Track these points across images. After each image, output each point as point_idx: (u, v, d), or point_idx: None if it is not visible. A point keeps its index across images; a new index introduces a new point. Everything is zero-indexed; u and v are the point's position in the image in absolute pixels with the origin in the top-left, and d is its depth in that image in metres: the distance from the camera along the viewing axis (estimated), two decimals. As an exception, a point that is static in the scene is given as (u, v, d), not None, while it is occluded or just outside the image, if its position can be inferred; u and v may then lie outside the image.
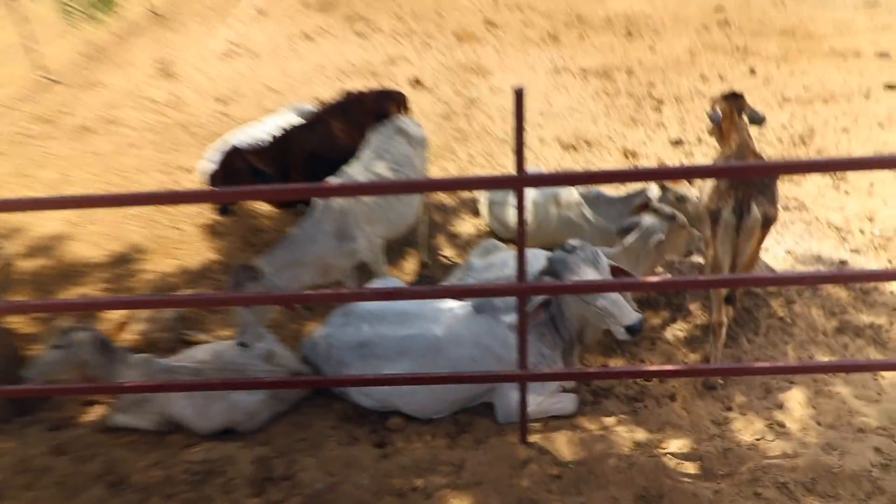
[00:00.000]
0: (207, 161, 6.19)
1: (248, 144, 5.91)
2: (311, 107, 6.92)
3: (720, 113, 4.72)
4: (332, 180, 4.64)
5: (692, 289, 4.73)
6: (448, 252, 5.79)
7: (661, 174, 3.35)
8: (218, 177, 4.93)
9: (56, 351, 3.88)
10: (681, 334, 4.66)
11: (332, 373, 4.12)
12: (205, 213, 6.36)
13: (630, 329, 3.43)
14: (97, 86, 9.21)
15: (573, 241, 3.68)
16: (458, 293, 3.18)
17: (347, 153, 5.18)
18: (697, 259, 5.35)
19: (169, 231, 6.27)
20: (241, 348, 4.05)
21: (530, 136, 7.18)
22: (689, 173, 3.12)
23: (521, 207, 3.05)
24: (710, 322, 4.30)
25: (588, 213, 5.33)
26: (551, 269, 3.59)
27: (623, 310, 3.46)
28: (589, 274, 3.50)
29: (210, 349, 4.20)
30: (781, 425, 3.79)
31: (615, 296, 3.51)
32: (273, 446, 3.86)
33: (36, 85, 9.21)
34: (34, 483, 3.60)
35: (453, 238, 5.95)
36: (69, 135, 8.12)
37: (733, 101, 4.78)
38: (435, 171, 6.98)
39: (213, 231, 6.21)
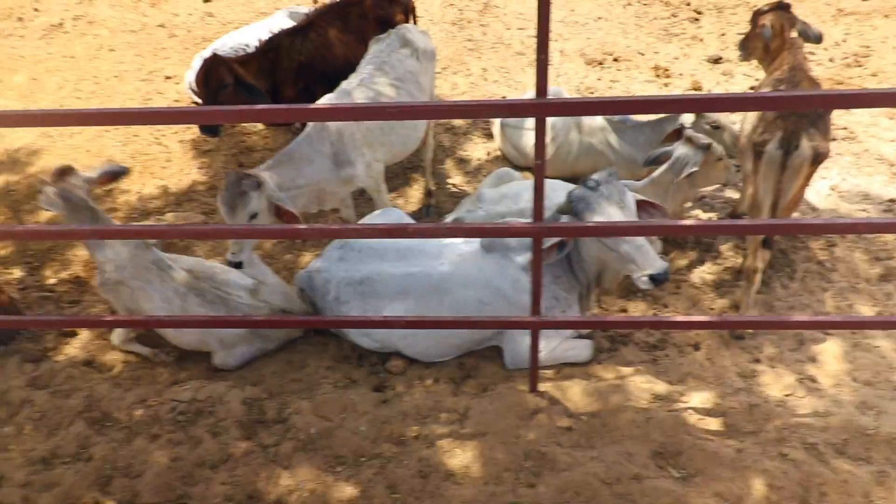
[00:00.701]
0: (193, 70, 5.95)
1: (233, 52, 5.66)
2: (306, 9, 6.60)
3: (770, 28, 4.42)
4: (328, 98, 4.43)
5: (727, 234, 4.58)
6: (456, 179, 5.63)
7: (706, 103, 3.12)
8: (199, 90, 4.72)
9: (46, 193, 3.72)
10: (709, 277, 4.56)
11: (329, 309, 4.06)
12: (191, 127, 6.17)
13: (654, 278, 3.31)
14: (69, -22, 8.79)
15: (597, 176, 3.50)
16: (467, 233, 3.05)
17: (345, 65, 4.95)
18: (731, 193, 5.19)
19: (151, 147, 6.11)
20: (233, 268, 3.96)
21: (550, 49, 6.88)
22: (739, 103, 2.89)
23: (540, 139, 2.88)
24: (743, 266, 4.18)
25: (613, 139, 5.13)
26: (571, 209, 3.44)
27: (648, 256, 3.34)
28: (613, 215, 3.35)
29: (203, 263, 4.15)
30: (813, 380, 3.75)
31: (640, 240, 3.38)
32: (265, 387, 3.86)
33: (0, -24, 8.81)
34: (12, 418, 3.62)
35: (463, 163, 5.77)
36: (40, 34, 7.82)
37: (784, 13, 4.47)
38: (444, 87, 6.72)
39: (199, 148, 6.05)
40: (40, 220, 5.35)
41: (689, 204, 5.11)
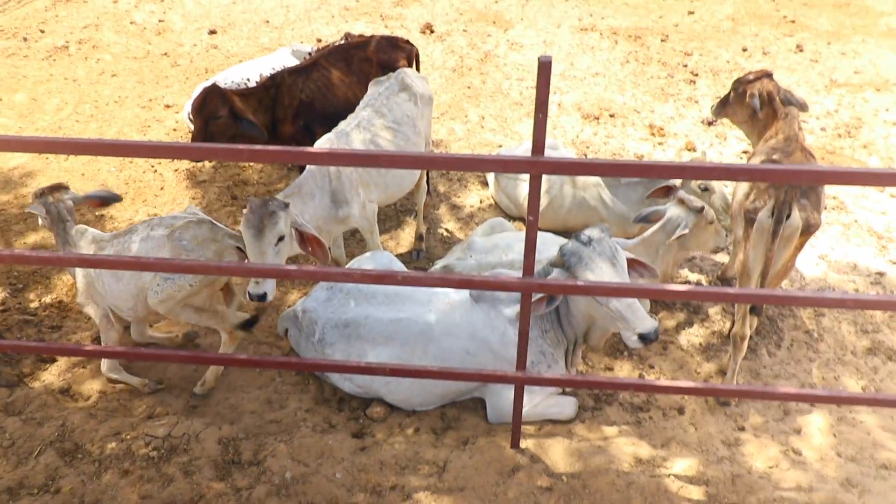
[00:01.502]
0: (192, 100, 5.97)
1: (235, 86, 5.69)
2: (309, 48, 6.68)
3: (758, 98, 4.44)
4: (326, 138, 4.44)
5: (716, 300, 4.57)
6: (449, 225, 5.63)
7: (702, 171, 3.12)
8: (193, 117, 4.73)
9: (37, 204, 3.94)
10: (696, 340, 4.54)
11: (313, 350, 4.00)
12: (186, 157, 6.16)
13: (644, 337, 3.29)
14: (76, 1, 8.89)
15: (590, 231, 3.50)
16: (455, 284, 3.02)
17: (346, 106, 4.98)
18: (721, 257, 5.20)
19: (146, 175, 6.09)
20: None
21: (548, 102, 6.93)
22: (733, 173, 2.90)
23: (535, 196, 2.88)
24: (730, 332, 4.16)
25: (606, 195, 5.16)
26: (563, 262, 3.43)
27: (638, 314, 3.32)
28: (605, 271, 3.34)
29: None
30: (798, 453, 3.70)
31: (631, 298, 3.36)
32: (242, 426, 3.79)
33: (9, -4, 8.90)
34: (-21, 444, 3.53)
35: (456, 209, 5.78)
36: (44, 55, 7.85)
37: (770, 81, 4.50)
38: (441, 132, 6.77)
39: (194, 179, 6.03)
40: (29, 241, 5.30)
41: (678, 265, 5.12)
